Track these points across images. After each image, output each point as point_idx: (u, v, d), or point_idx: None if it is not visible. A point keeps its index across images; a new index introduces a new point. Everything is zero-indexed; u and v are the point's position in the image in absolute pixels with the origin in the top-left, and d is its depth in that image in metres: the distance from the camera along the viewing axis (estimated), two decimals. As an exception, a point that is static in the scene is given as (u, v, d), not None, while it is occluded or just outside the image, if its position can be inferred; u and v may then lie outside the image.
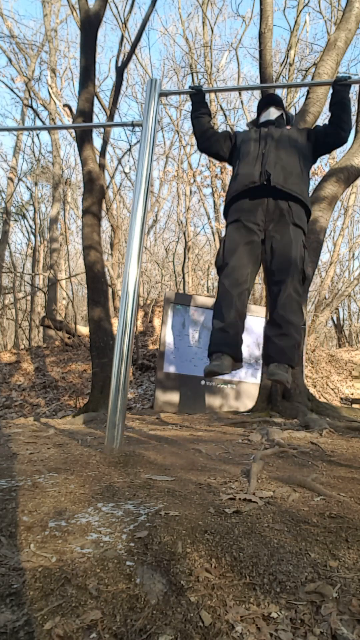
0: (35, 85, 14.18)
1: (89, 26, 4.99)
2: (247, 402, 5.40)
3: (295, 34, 10.39)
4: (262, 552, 1.03)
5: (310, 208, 2.31)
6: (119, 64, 6.54)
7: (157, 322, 9.05)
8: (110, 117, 6.56)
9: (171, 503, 1.30)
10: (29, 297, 13.91)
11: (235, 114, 14.88)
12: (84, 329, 8.75)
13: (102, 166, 6.25)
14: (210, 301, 5.81)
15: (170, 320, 5.51)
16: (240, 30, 30.08)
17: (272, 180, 2.19)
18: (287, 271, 2.12)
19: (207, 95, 2.64)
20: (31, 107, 12.75)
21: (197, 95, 2.56)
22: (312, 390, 6.99)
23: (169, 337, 5.48)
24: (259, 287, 11.23)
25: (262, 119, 2.56)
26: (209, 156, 2.73)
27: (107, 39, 34.41)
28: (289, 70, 10.67)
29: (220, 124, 13.01)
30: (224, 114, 13.19)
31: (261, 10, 5.20)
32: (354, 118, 5.33)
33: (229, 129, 2.74)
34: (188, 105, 13.10)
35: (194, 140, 14.12)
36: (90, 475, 1.59)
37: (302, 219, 2.25)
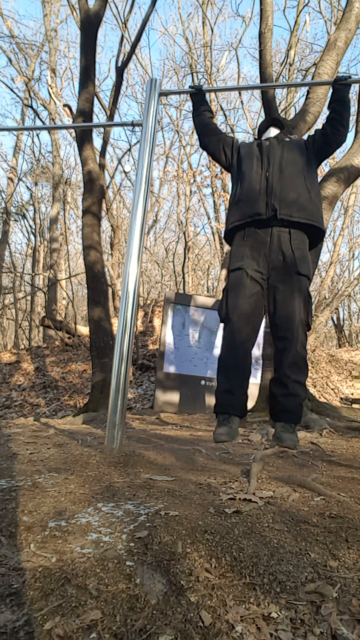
0: (35, 85, 14.19)
1: (89, 26, 4.99)
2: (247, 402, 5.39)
3: (295, 34, 10.38)
4: (262, 552, 1.03)
5: (322, 227, 2.23)
6: (119, 64, 6.54)
7: (157, 322, 9.05)
8: (110, 117, 6.56)
9: (171, 503, 1.30)
10: (29, 297, 13.91)
11: (235, 114, 14.91)
12: (84, 329, 8.75)
13: (102, 166, 6.25)
14: (210, 301, 5.81)
15: (170, 320, 5.51)
16: (240, 30, 30.10)
17: (278, 215, 2.12)
18: (291, 328, 2.08)
19: (207, 95, 2.63)
20: (31, 107, 12.75)
21: (197, 95, 2.55)
22: (312, 390, 6.99)
23: (169, 337, 5.48)
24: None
25: (263, 138, 2.53)
26: (208, 154, 2.69)
27: (107, 39, 34.40)
28: (289, 70, 10.66)
29: (220, 124, 13.00)
30: (224, 114, 13.19)
31: (261, 10, 5.20)
32: (353, 118, 5.34)
33: (232, 136, 2.67)
34: (188, 105, 13.11)
35: (194, 140, 14.15)
36: (90, 475, 1.59)
37: (306, 262, 2.16)
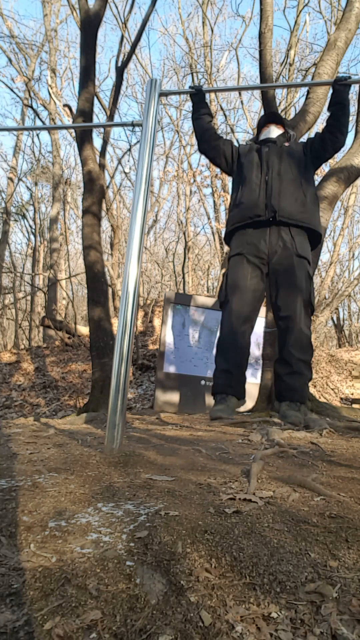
0: (35, 85, 14.17)
1: (89, 26, 4.99)
2: (247, 402, 5.39)
3: (295, 34, 10.38)
4: (262, 552, 1.03)
5: (320, 230, 2.25)
6: (119, 64, 6.54)
7: (157, 322, 9.05)
8: (110, 117, 6.56)
9: (171, 503, 1.30)
10: (29, 297, 13.91)
11: (235, 114, 14.90)
12: (84, 329, 8.75)
13: (102, 166, 6.25)
14: (210, 301, 5.81)
15: (170, 320, 5.51)
16: (240, 30, 30.10)
17: (277, 216, 2.15)
18: (294, 307, 2.09)
19: (207, 95, 2.63)
20: (31, 107, 12.75)
21: (197, 95, 2.55)
22: (312, 390, 6.99)
23: (169, 337, 5.48)
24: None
25: (262, 136, 2.53)
26: (207, 158, 2.71)
27: (107, 39, 34.46)
28: (289, 70, 10.66)
29: (220, 124, 13.01)
30: (224, 114, 13.19)
31: (261, 10, 5.20)
32: (353, 118, 5.34)
33: (232, 139, 2.72)
34: (188, 105, 13.10)
35: (194, 140, 14.13)
36: (90, 475, 1.59)
37: (306, 248, 2.20)
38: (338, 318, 14.72)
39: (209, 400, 5.46)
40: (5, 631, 0.77)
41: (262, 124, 2.60)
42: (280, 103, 10.98)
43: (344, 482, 1.67)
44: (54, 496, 1.34)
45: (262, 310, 5.78)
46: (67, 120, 11.07)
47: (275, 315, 2.20)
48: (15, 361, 8.06)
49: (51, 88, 12.13)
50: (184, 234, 13.44)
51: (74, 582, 0.89)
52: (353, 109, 6.41)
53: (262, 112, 6.75)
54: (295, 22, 10.29)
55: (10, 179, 13.81)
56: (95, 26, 5.03)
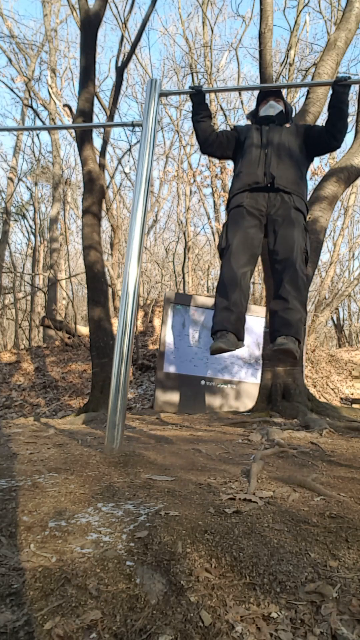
0: (35, 85, 14.18)
1: (89, 26, 4.99)
2: (247, 402, 5.40)
3: (295, 34, 10.38)
4: (262, 552, 1.03)
5: (307, 209, 2.39)
6: (119, 64, 6.54)
7: (157, 322, 9.05)
8: (110, 117, 6.56)
9: (171, 503, 1.30)
10: (29, 297, 13.91)
11: (235, 114, 14.86)
12: (84, 329, 8.75)
13: (102, 166, 6.25)
14: (210, 301, 5.81)
15: (170, 320, 5.51)
16: (240, 30, 30.08)
17: (275, 182, 2.26)
18: (291, 250, 2.17)
19: (207, 95, 2.64)
20: (31, 107, 12.74)
21: (197, 96, 2.55)
22: (312, 390, 6.99)
23: (169, 337, 5.48)
24: (258, 287, 11.23)
25: (262, 112, 2.58)
26: (214, 158, 2.80)
27: (107, 39, 34.42)
28: (289, 70, 10.66)
29: (220, 124, 13.00)
30: (224, 114, 13.18)
31: (261, 10, 5.20)
32: (353, 118, 5.34)
33: (229, 127, 2.81)
34: (188, 105, 13.10)
35: (194, 140, 14.14)
36: (90, 475, 1.59)
37: (302, 205, 2.31)
38: (338, 318, 14.72)
39: (209, 400, 5.46)
40: (5, 631, 0.77)
41: (261, 98, 2.63)
42: (280, 103, 10.97)
43: (344, 482, 1.67)
44: (54, 496, 1.34)
45: (262, 310, 5.77)
46: (67, 120, 11.06)
47: (272, 260, 2.27)
48: (15, 361, 8.06)
49: (51, 88, 12.13)
50: (184, 234, 13.44)
51: (74, 582, 0.89)
52: (353, 109, 6.41)
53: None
54: (295, 22, 10.29)
55: (10, 179, 13.81)
56: (95, 26, 5.03)
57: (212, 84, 12.27)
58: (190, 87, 2.57)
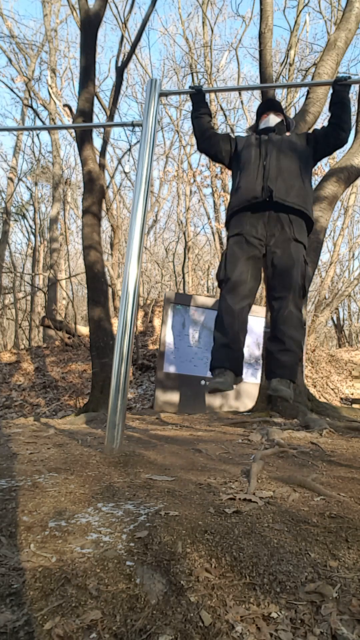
0: (35, 85, 14.17)
1: (89, 26, 4.99)
2: (247, 402, 5.40)
3: (295, 34, 10.39)
4: (262, 552, 1.03)
5: (312, 218, 2.31)
6: (119, 64, 6.54)
7: (157, 322, 9.05)
8: (110, 117, 6.56)
9: (171, 503, 1.30)
10: (29, 297, 13.91)
11: (235, 114, 14.90)
12: (84, 329, 8.75)
13: (102, 166, 6.25)
14: (210, 301, 5.81)
15: (170, 320, 5.51)
16: (240, 30, 30.09)
17: (274, 197, 2.19)
18: (288, 288, 2.13)
19: (207, 95, 2.63)
20: (31, 107, 12.75)
21: (197, 95, 2.55)
22: (312, 390, 6.99)
23: (169, 337, 5.48)
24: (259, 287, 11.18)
25: (262, 125, 2.54)
26: (207, 157, 2.73)
27: (107, 39, 34.44)
28: (289, 70, 10.66)
29: (220, 124, 13.01)
30: (224, 114, 13.19)
31: (261, 10, 5.20)
32: (353, 118, 5.34)
33: (229, 133, 2.72)
34: (188, 105, 13.10)
35: (194, 140, 14.11)
36: (90, 475, 1.59)
37: (302, 234, 2.24)
38: (338, 318, 14.72)
39: (209, 400, 5.46)
40: (5, 631, 0.77)
41: (261, 112, 2.61)
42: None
43: (344, 482, 1.67)
44: (54, 496, 1.34)
45: (262, 310, 5.77)
46: (67, 120, 11.07)
47: (269, 295, 2.25)
48: (15, 361, 8.06)
49: (51, 88, 12.13)
50: (184, 234, 13.44)
51: (74, 582, 0.89)
52: (353, 109, 6.42)
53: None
54: (295, 22, 10.29)
55: (10, 179, 13.81)
56: (95, 26, 5.03)
57: (212, 84, 12.28)
58: (190, 87, 2.57)
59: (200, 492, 1.46)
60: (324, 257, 15.49)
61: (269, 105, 2.60)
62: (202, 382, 5.48)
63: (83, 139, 5.06)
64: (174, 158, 15.29)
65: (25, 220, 15.19)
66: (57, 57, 13.41)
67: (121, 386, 2.01)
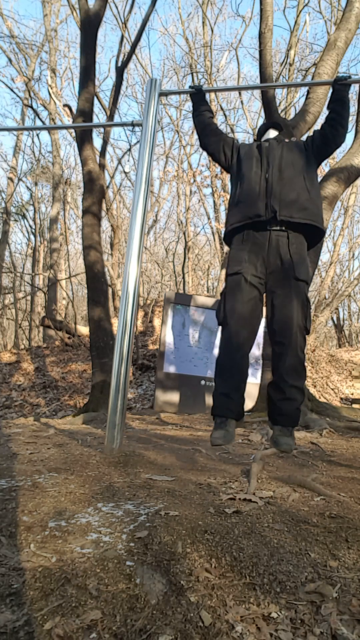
0: (35, 85, 14.18)
1: (89, 26, 4.99)
2: (247, 402, 5.39)
3: (295, 34, 10.38)
4: (262, 552, 1.03)
5: (322, 226, 2.24)
6: (119, 64, 6.54)
7: (157, 322, 9.05)
8: (110, 117, 6.56)
9: (171, 503, 1.30)
10: (29, 297, 13.91)
11: (235, 114, 14.90)
12: (84, 329, 8.75)
13: (102, 166, 6.25)
14: (210, 301, 5.81)
15: (170, 320, 5.51)
16: (240, 30, 30.06)
17: (278, 216, 2.13)
18: (289, 333, 2.08)
19: (207, 95, 2.62)
20: (31, 107, 12.75)
21: (197, 95, 2.55)
22: (312, 390, 6.99)
23: (169, 337, 5.48)
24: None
25: (263, 139, 2.53)
26: (208, 155, 2.69)
27: (107, 39, 34.38)
28: (289, 70, 10.66)
29: (220, 124, 13.00)
30: (224, 114, 13.19)
31: (261, 10, 5.20)
32: (353, 118, 5.34)
33: (233, 137, 2.66)
34: (188, 105, 13.10)
35: (194, 140, 14.15)
36: (90, 475, 1.59)
37: (303, 269, 2.17)
38: (338, 318, 14.72)
39: (209, 400, 5.45)
40: (5, 631, 0.77)
41: (263, 131, 2.60)
42: (280, 103, 10.99)
43: (344, 482, 1.67)
44: (54, 496, 1.34)
45: (262, 310, 5.78)
46: (67, 120, 11.06)
47: (271, 337, 2.20)
48: (15, 361, 8.06)
49: (51, 88, 12.12)
50: (184, 234, 13.44)
51: (74, 582, 0.89)
52: (353, 109, 6.42)
53: (263, 112, 6.75)
54: (295, 22, 10.29)
55: (10, 179, 13.81)
56: (95, 26, 5.03)
57: (212, 84, 12.28)
58: (190, 87, 2.57)
59: (200, 492, 1.46)
60: (324, 257, 15.50)
61: (270, 125, 2.59)
62: (202, 382, 5.48)
63: (83, 139, 5.06)
64: (174, 158, 15.29)
65: (25, 220, 15.20)
66: (57, 57, 13.42)
67: (121, 386, 2.01)
